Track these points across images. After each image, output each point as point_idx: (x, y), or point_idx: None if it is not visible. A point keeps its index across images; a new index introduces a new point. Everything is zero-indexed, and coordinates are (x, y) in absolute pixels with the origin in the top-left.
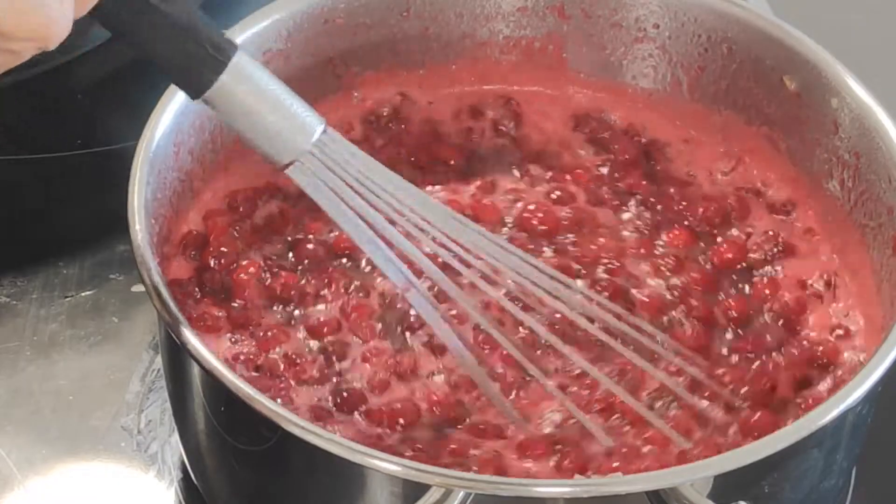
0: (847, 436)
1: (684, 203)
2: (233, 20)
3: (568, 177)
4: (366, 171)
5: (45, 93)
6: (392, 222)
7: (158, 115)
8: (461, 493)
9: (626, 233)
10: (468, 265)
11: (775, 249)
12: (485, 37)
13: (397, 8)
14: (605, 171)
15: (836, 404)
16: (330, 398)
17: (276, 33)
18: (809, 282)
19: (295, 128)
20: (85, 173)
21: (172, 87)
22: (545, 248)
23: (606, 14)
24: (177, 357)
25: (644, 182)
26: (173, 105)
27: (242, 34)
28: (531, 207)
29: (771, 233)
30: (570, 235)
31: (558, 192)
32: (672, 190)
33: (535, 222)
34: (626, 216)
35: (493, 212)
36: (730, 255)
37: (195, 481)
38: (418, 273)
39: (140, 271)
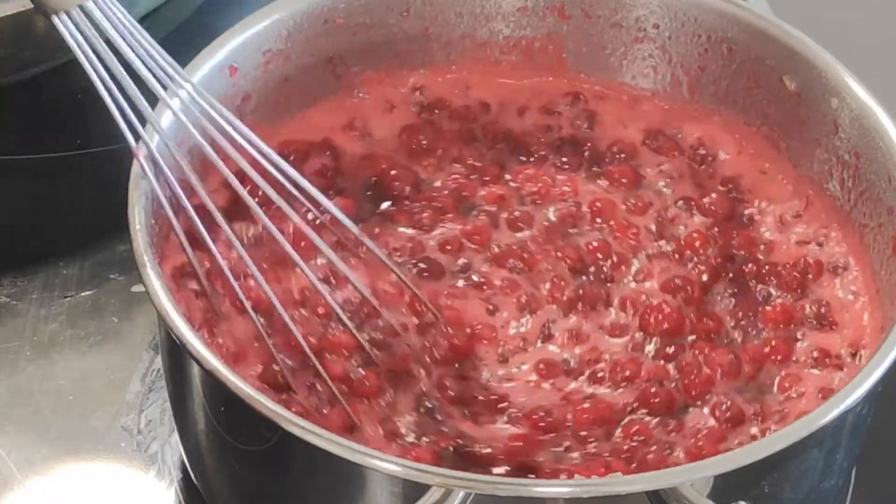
0: (847, 436)
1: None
2: (233, 20)
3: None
4: (137, 36)
5: (45, 93)
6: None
7: (158, 115)
8: (461, 493)
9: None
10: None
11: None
12: (485, 37)
13: (397, 8)
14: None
15: (836, 404)
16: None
17: (276, 33)
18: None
19: None
20: (85, 173)
21: (172, 86)
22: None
23: (606, 14)
24: (177, 357)
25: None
26: (173, 105)
27: (242, 34)
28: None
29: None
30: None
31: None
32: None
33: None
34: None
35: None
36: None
37: (195, 481)
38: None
39: (140, 271)
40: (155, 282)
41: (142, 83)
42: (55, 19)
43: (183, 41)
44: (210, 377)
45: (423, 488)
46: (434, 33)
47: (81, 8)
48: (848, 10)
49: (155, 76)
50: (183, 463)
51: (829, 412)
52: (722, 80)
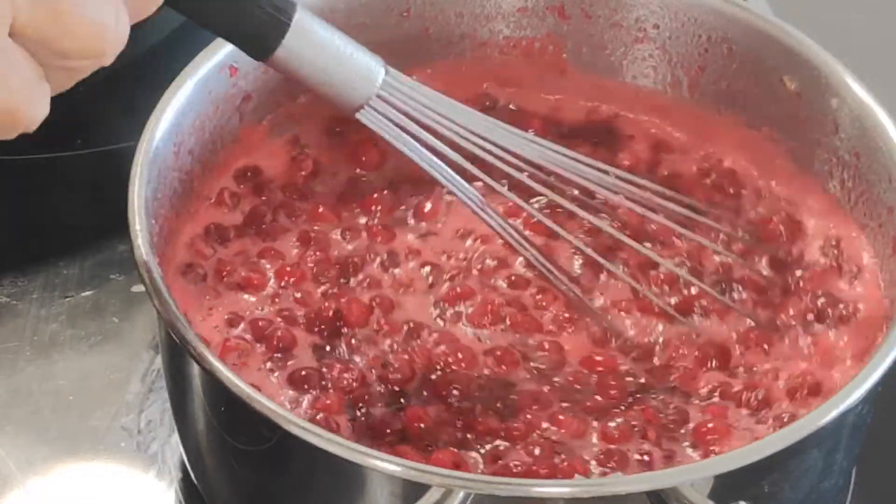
0: (847, 436)
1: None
2: None
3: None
4: (429, 103)
5: None
6: (459, 148)
7: (158, 115)
8: (461, 493)
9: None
10: (537, 178)
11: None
12: (485, 37)
13: (397, 8)
14: None
15: (836, 404)
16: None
17: None
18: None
19: (360, 75)
20: (85, 173)
21: (172, 87)
22: None
23: (606, 14)
24: (177, 357)
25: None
26: (173, 105)
27: None
28: None
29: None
30: None
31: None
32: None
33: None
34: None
35: None
36: None
37: (195, 481)
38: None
39: (140, 271)
40: (155, 282)
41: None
42: (360, 116)
43: (183, 41)
44: (210, 377)
45: (423, 488)
46: (434, 33)
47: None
48: (848, 10)
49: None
50: (183, 463)
51: (829, 412)
52: (722, 80)
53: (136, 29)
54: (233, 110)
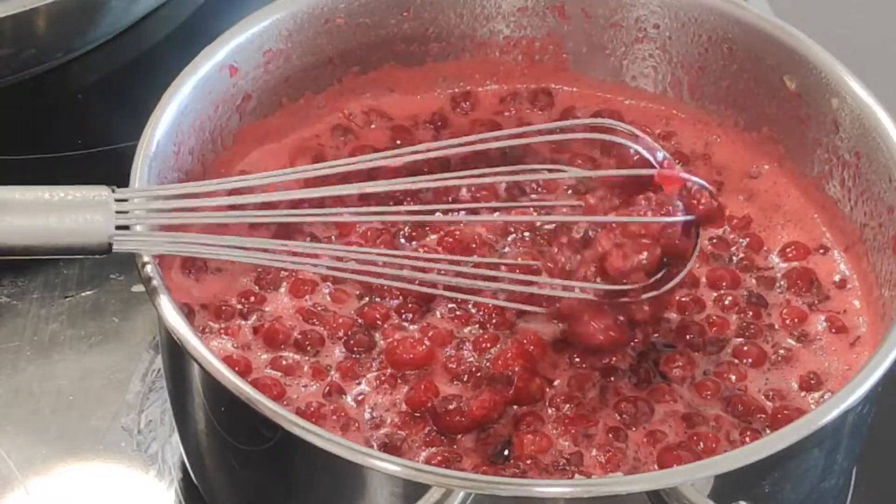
0: (847, 436)
1: None
2: (233, 20)
3: None
4: (179, 198)
5: (45, 93)
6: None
7: (158, 115)
8: (461, 493)
9: None
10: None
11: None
12: (485, 37)
13: (397, 8)
14: None
15: (836, 404)
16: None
17: (276, 33)
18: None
19: (86, 209)
20: (85, 173)
21: (172, 87)
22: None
23: (606, 14)
24: (177, 357)
25: None
26: (173, 105)
27: (243, 34)
28: None
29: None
30: None
31: None
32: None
33: None
34: None
35: None
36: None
37: (195, 481)
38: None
39: (140, 271)
40: (155, 282)
41: None
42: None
43: (183, 41)
44: (210, 377)
45: (423, 488)
46: (434, 33)
47: None
48: (848, 10)
49: None
50: (183, 463)
51: (829, 412)
52: (722, 80)
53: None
54: (233, 110)
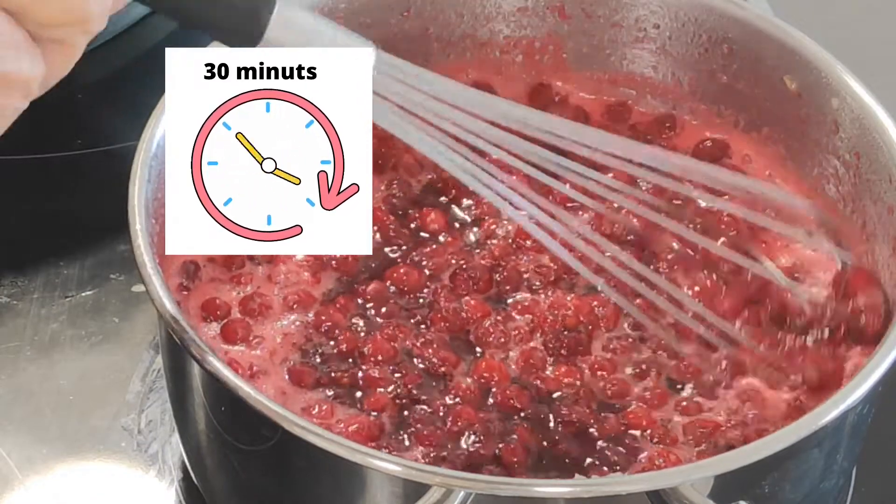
0: (847, 436)
1: None
2: None
3: None
4: (429, 88)
5: (45, 92)
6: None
7: (158, 115)
8: (461, 493)
9: None
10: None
11: None
12: (485, 37)
13: (397, 8)
14: None
15: (836, 404)
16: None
17: None
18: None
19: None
20: (85, 173)
21: None
22: None
23: (606, 14)
24: (177, 357)
25: None
26: None
27: None
28: None
29: None
30: None
31: None
32: None
33: None
34: None
35: None
36: None
37: (195, 481)
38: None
39: (140, 271)
40: (155, 282)
41: None
42: None
43: (183, 41)
44: (210, 377)
45: (423, 488)
46: (434, 33)
47: None
48: (848, 10)
49: None
50: (183, 463)
51: (829, 412)
52: (722, 80)
53: (136, 29)
54: None
